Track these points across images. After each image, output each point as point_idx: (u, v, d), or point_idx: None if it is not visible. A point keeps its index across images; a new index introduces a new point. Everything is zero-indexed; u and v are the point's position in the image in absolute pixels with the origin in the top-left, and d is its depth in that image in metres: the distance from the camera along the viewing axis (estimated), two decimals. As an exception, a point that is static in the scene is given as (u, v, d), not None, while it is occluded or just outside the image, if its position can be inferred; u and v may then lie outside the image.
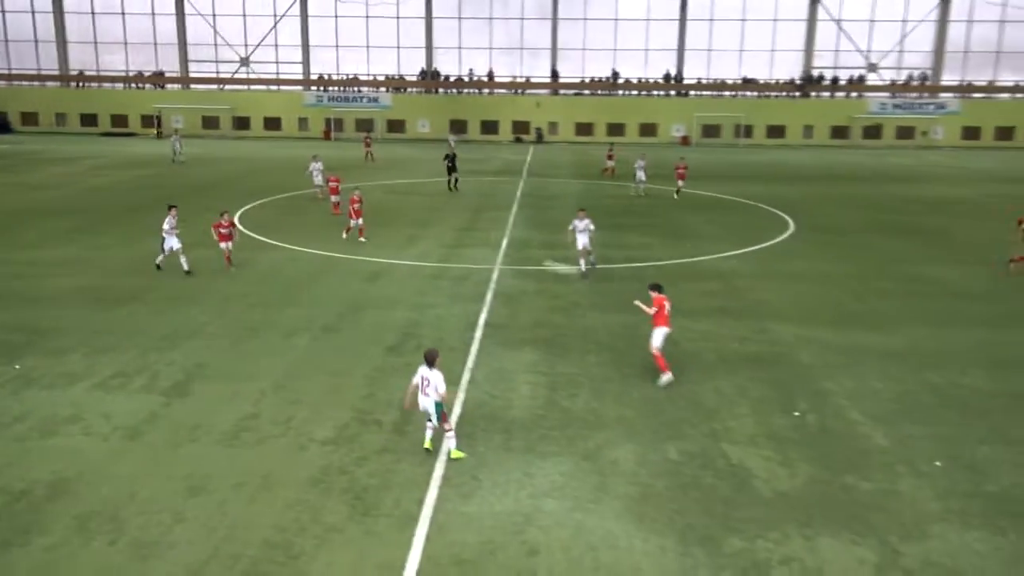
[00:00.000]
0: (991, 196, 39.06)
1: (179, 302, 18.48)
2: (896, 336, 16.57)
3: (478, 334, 16.36)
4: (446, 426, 10.99)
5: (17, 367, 14.11)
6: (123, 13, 70.23)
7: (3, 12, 70.40)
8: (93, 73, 71.49)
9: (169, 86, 71.45)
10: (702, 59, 71.48)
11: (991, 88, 74.67)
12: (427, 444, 11.13)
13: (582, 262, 21.28)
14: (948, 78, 73.60)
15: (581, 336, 16.45)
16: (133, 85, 71.63)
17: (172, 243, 21.00)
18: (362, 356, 15.04)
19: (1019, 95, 74.11)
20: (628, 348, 15.76)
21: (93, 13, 70.28)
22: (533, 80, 70.40)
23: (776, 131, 71.07)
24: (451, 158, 37.97)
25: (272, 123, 70.08)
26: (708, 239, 26.85)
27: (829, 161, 58.38)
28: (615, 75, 70.30)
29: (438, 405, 10.84)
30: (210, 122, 69.41)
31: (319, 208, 32.17)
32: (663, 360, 13.79)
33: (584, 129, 69.51)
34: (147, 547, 8.86)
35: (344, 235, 25.52)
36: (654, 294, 14.08)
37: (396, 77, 70.40)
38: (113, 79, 71.73)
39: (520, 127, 69.25)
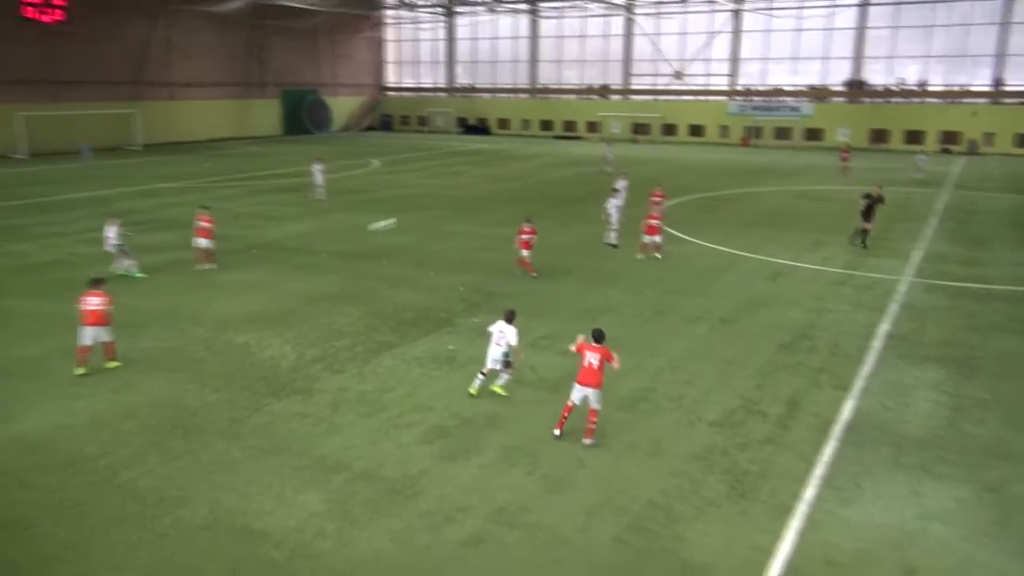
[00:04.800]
0: None
1: (602, 282, 19.63)
2: None
3: (877, 344, 14.87)
4: (511, 370, 12.04)
5: (476, 320, 16.22)
6: (583, 36, 75.99)
7: (496, 39, 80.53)
8: (554, 86, 78.59)
9: (613, 97, 75.69)
10: None
11: None
12: (473, 390, 12.12)
13: None
14: None
15: (997, 360, 14.08)
16: (583, 96, 77.26)
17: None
18: (755, 349, 14.59)
19: None
20: (1054, 381, 13.12)
21: (560, 37, 77.18)
22: (971, 88, 61.12)
23: None
24: (874, 201, 24.07)
25: (696, 130, 70.54)
26: None
27: None
28: (1074, 82, 58.14)
29: (505, 354, 11.78)
30: (641, 128, 72.15)
31: (731, 208, 31.76)
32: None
33: (1026, 141, 58.73)
34: (555, 482, 9.65)
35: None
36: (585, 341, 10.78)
37: (820, 87, 66.24)
38: (567, 91, 78.10)
39: (949, 137, 60.71)
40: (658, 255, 22.00)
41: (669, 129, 71.73)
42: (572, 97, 77.96)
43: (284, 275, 20.21)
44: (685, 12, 70.56)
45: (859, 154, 54.40)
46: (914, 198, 34.82)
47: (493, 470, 9.95)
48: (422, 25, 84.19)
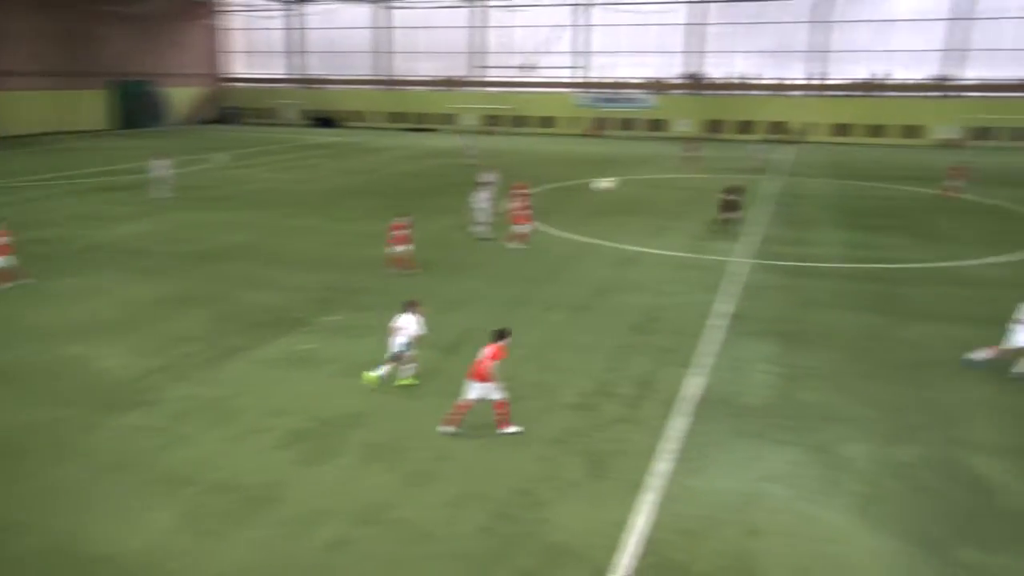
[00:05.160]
0: None
1: (464, 273, 19.70)
2: None
3: (719, 322, 15.84)
4: (406, 364, 12.24)
5: (335, 318, 15.84)
6: (435, 27, 75.60)
7: (347, 29, 78.47)
8: (407, 78, 77.77)
9: (465, 88, 75.89)
10: (984, 59, 62.21)
11: None
12: (372, 379, 12.18)
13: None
14: None
15: (822, 332, 15.36)
16: (436, 88, 76.96)
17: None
18: (607, 334, 15.15)
19: None
20: (870, 347, 14.49)
21: (413, 28, 76.40)
22: (792, 82, 66.28)
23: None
24: (734, 195, 25.63)
25: (546, 121, 72.18)
26: (972, 244, 23.83)
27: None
28: (878, 76, 64.13)
29: (406, 344, 11.99)
30: (493, 120, 72.93)
31: (581, 197, 32.73)
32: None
33: (841, 130, 64.37)
34: (419, 477, 9.62)
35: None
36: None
37: (661, 80, 69.50)
38: (420, 83, 77.56)
39: (775, 127, 65.52)
40: (525, 244, 22.42)
41: (520, 120, 72.89)
42: (425, 89, 77.52)
43: (121, 279, 18.88)
44: (535, 5, 71.76)
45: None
46: (751, 185, 37.20)
47: (355, 470, 9.79)
48: (271, 14, 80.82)
